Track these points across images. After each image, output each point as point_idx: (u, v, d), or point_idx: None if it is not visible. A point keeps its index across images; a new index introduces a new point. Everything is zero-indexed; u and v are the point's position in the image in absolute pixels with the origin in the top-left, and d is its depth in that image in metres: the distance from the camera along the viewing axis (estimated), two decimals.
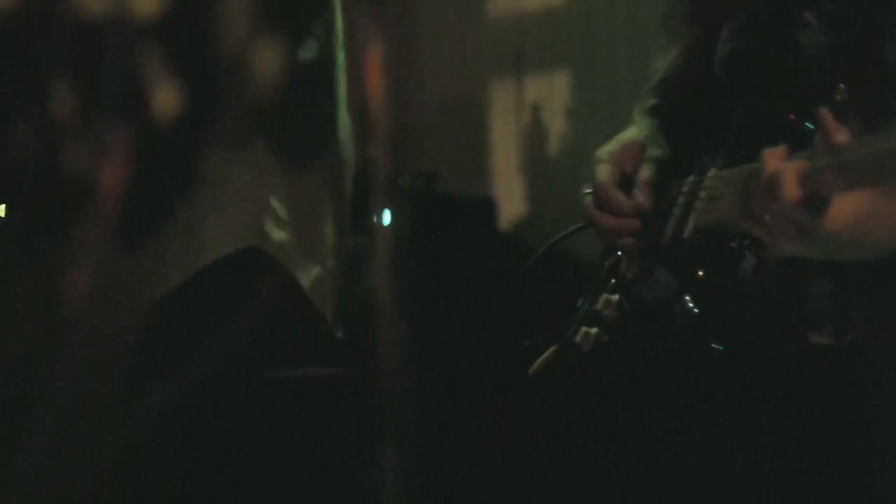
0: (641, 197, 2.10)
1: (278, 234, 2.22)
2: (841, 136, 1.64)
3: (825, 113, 1.65)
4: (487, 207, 4.10)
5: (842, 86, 1.81)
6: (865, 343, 1.93)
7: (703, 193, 2.00)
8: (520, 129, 4.21)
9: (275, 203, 2.22)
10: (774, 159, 1.72)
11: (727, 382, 2.01)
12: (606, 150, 2.17)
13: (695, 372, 2.03)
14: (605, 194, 2.12)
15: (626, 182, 2.14)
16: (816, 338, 1.94)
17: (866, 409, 1.95)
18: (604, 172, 2.14)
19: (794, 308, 1.95)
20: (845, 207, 1.67)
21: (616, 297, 2.08)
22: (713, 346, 1.97)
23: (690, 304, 1.97)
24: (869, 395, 1.95)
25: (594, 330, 2.07)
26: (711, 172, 2.00)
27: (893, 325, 1.93)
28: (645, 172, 2.12)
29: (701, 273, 1.97)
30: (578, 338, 2.08)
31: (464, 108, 4.32)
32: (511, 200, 4.19)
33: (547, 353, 2.12)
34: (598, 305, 2.09)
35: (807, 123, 1.81)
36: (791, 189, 1.68)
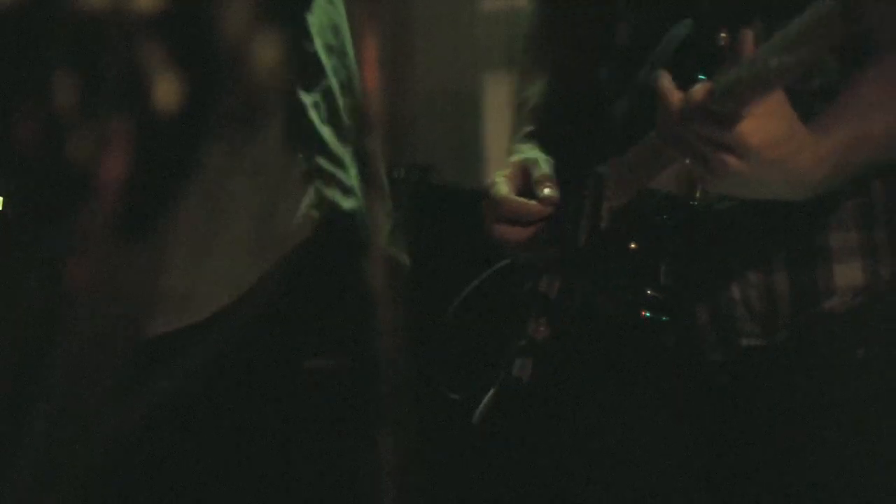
0: (547, 190, 2.03)
1: (347, 203, 2.23)
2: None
3: (746, 34, 1.68)
4: (481, 200, 4.11)
5: (723, 34, 1.83)
6: (794, 340, 1.94)
7: (609, 181, 1.97)
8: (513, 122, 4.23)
9: (339, 174, 2.22)
10: (665, 80, 1.76)
11: (668, 383, 2.02)
12: (498, 174, 2.11)
13: (639, 377, 2.03)
14: (509, 205, 2.05)
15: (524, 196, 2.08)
16: (747, 341, 1.95)
17: (800, 409, 1.95)
18: (502, 187, 2.07)
19: (721, 310, 1.96)
20: (761, 124, 1.70)
21: (544, 318, 2.02)
22: (656, 315, 1.98)
23: (625, 279, 1.96)
24: (802, 393, 1.96)
25: (529, 358, 2.02)
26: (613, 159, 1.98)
27: (819, 320, 1.95)
28: (543, 170, 2.05)
29: (632, 245, 1.95)
30: (515, 370, 2.03)
31: (458, 100, 4.33)
32: None
33: (487, 398, 2.07)
34: (529, 332, 2.03)
35: (699, 76, 1.80)
36: (702, 108, 1.70)
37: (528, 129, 2.18)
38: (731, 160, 1.72)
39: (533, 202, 2.03)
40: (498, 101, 4.27)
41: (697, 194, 1.88)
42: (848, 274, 1.93)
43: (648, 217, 1.94)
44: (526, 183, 2.06)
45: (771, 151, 1.72)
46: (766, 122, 1.71)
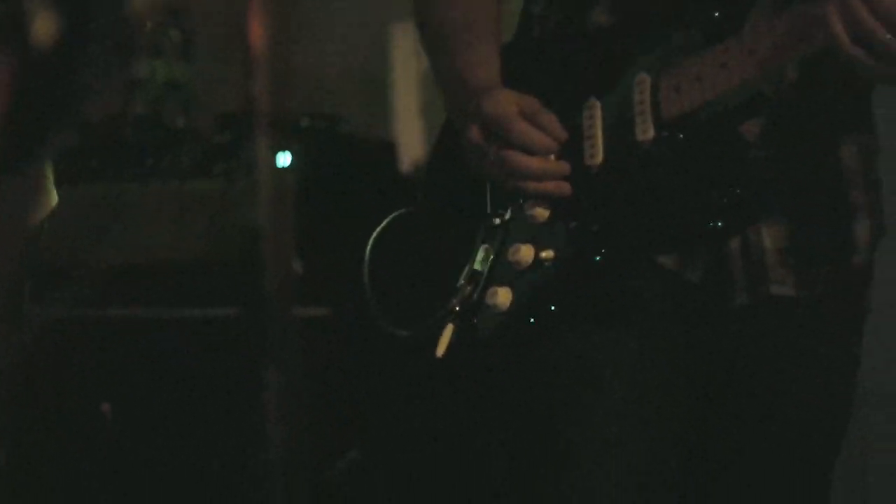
0: (556, 125, 1.94)
1: None
2: None
3: None
4: (388, 149, 4.12)
5: None
6: (828, 295, 1.97)
7: (647, 87, 1.88)
8: (420, 72, 4.23)
9: None
10: None
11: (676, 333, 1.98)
12: (496, 96, 1.96)
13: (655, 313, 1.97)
14: (513, 126, 1.93)
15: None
16: (777, 289, 1.96)
17: (826, 359, 2.00)
18: (508, 102, 1.95)
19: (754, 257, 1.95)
20: None
21: (528, 244, 1.94)
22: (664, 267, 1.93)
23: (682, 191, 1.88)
24: (825, 352, 2.00)
25: (507, 286, 1.94)
26: (682, 59, 1.87)
27: (848, 276, 1.99)
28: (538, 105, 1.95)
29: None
30: (489, 299, 1.95)
31: (365, 49, 4.33)
32: (412, 143, 4.21)
33: (447, 332, 1.98)
34: (508, 259, 1.95)
35: None
36: None
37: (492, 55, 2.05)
38: None
39: (545, 135, 1.94)
40: (405, 50, 4.26)
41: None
42: (864, 232, 1.98)
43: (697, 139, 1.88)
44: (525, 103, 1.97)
45: None
46: None
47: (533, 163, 1.93)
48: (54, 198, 2.05)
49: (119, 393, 2.57)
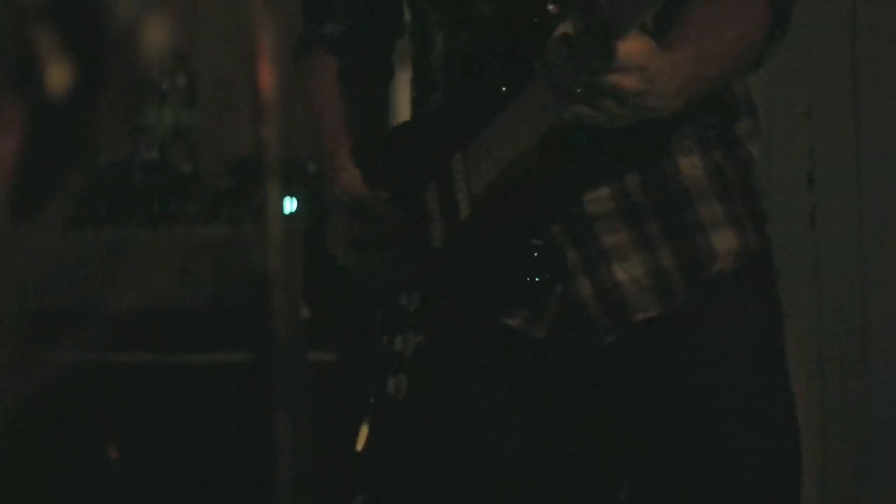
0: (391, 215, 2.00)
1: None
2: None
3: None
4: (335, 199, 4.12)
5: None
6: (691, 302, 1.98)
7: (469, 166, 1.95)
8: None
9: None
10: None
11: (553, 372, 2.02)
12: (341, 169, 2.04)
13: (521, 363, 2.02)
14: (362, 201, 2.00)
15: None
16: (642, 314, 1.98)
17: (702, 366, 1.99)
18: (354, 176, 2.03)
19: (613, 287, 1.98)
20: (636, 43, 1.69)
21: (410, 333, 2.00)
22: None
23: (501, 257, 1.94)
24: (704, 352, 2.00)
25: (402, 375, 2.00)
26: (470, 147, 1.94)
27: (712, 282, 1.99)
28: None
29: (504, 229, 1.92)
30: (389, 389, 2.01)
31: None
32: None
33: (363, 430, 2.05)
34: (397, 350, 2.01)
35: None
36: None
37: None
38: (629, 83, 1.71)
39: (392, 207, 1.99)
40: (408, 93, 4.28)
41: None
42: (725, 240, 1.99)
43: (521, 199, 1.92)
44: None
45: (652, 63, 1.73)
46: (639, 41, 1.72)
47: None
48: (62, 243, 2.05)
49: (128, 438, 2.57)
